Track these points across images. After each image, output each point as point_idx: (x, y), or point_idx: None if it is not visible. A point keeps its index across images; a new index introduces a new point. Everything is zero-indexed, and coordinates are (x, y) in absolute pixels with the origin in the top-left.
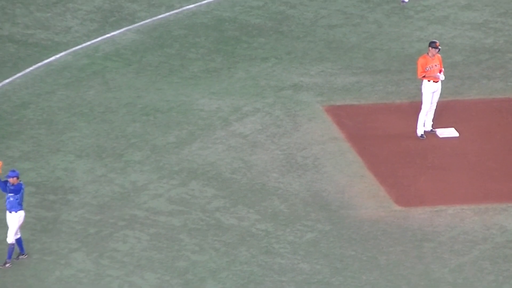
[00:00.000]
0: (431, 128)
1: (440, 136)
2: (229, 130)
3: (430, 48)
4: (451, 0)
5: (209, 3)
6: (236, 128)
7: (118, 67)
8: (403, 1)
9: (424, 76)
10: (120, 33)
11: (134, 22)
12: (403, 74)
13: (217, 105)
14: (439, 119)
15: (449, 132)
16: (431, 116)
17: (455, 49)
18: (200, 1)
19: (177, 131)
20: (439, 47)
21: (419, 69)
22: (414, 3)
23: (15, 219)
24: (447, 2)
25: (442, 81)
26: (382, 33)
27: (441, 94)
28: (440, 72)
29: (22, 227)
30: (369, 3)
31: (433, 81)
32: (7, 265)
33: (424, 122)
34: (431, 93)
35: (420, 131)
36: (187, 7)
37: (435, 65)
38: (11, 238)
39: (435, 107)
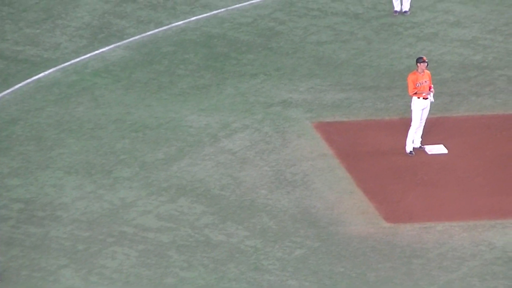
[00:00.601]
0: (420, 144)
1: (429, 152)
2: (218, 146)
3: (418, 64)
4: (440, 17)
5: (198, 19)
6: (225, 144)
7: (107, 83)
8: (396, 12)
9: (415, 93)
10: (109, 49)
11: (123, 39)
12: (392, 90)
13: (206, 121)
14: (428, 136)
15: (438, 149)
16: (420, 132)
17: (444, 66)
18: (189, 18)
19: (166, 148)
20: (426, 61)
21: (411, 86)
22: (403, 20)
23: None
24: (436, 19)
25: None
26: (372, 50)
27: (430, 110)
28: (430, 88)
29: (10, 244)
30: (358, 20)
31: (423, 98)
32: None
33: (413, 139)
34: (420, 110)
35: (409, 148)
36: (176, 23)
37: (425, 81)
38: None
39: (424, 124)
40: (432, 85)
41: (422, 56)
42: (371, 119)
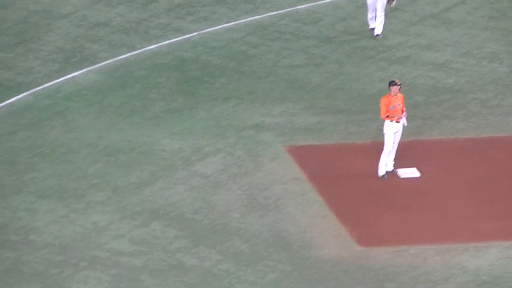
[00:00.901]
0: (393, 168)
1: (402, 176)
2: (190, 170)
3: (391, 87)
4: (412, 40)
5: (170, 43)
6: (198, 168)
7: (79, 107)
8: (372, 29)
9: (387, 116)
10: (81, 73)
11: (95, 63)
12: (365, 114)
13: (178, 145)
14: (401, 159)
15: (410, 172)
16: (393, 156)
17: (416, 89)
18: (162, 42)
19: (138, 172)
20: (399, 83)
21: (383, 109)
22: (376, 43)
23: None
24: (408, 42)
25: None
26: (344, 73)
27: (402, 134)
28: (402, 111)
29: None
30: (331, 43)
31: (395, 122)
32: None
33: (386, 162)
34: (393, 133)
35: (381, 172)
36: (149, 47)
37: (398, 105)
38: None
39: (396, 148)
40: (405, 109)
41: (395, 79)
42: (344, 143)
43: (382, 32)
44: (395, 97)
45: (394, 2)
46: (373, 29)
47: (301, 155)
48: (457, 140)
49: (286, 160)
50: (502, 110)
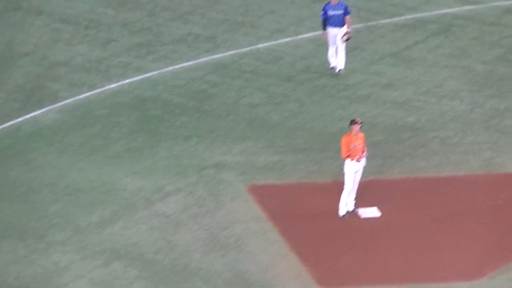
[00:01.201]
0: (354, 208)
1: (362, 216)
2: (151, 209)
3: (352, 126)
4: (372, 79)
5: (131, 82)
6: (159, 207)
7: (40, 147)
8: (333, 68)
9: (348, 156)
10: (42, 112)
11: (56, 102)
12: (325, 152)
13: (139, 184)
14: (361, 199)
15: (371, 212)
16: (353, 195)
17: (377, 128)
18: (122, 81)
19: (99, 211)
20: (360, 122)
21: (344, 148)
22: (336, 82)
23: None
24: (368, 81)
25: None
26: (304, 112)
27: (363, 173)
28: (362, 151)
29: None
30: (291, 82)
31: (356, 161)
32: None
33: (347, 202)
34: (353, 172)
35: (342, 212)
36: (109, 86)
37: (359, 144)
38: None
39: (357, 187)
40: (366, 148)
41: (355, 118)
42: (304, 182)
43: (344, 68)
44: (356, 136)
45: (345, 37)
46: (333, 67)
47: (262, 194)
48: (417, 179)
49: (247, 199)
50: (463, 148)
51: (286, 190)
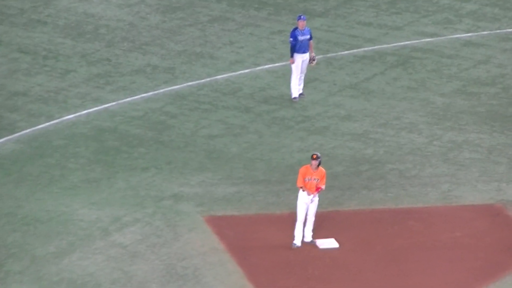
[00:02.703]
0: (311, 239)
1: (320, 247)
2: (109, 240)
3: (311, 160)
4: (331, 111)
5: (89, 113)
6: (116, 238)
7: None
8: (295, 98)
9: (301, 186)
10: (0, 143)
11: (14, 132)
12: (284, 184)
13: (96, 215)
14: (319, 230)
15: (329, 243)
16: (311, 227)
17: (335, 160)
18: (80, 111)
19: (57, 241)
20: (316, 158)
21: (299, 178)
22: (295, 114)
23: None
24: (327, 112)
25: (322, 191)
26: (263, 144)
27: (321, 204)
28: (318, 189)
29: None
30: (249, 114)
31: (307, 194)
32: None
33: (304, 233)
34: (304, 203)
35: (297, 242)
36: (67, 117)
37: (315, 179)
38: None
39: (313, 219)
40: (323, 186)
41: (314, 154)
42: (262, 213)
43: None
44: (314, 171)
45: (314, 62)
46: (295, 98)
47: (220, 225)
48: (375, 211)
49: (205, 230)
50: (420, 180)
51: (244, 221)
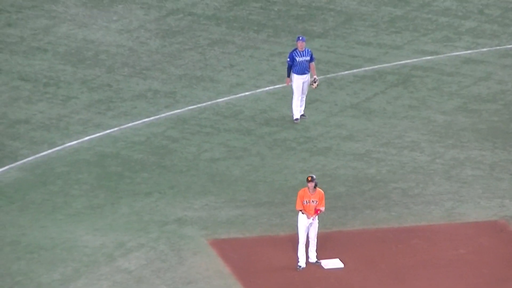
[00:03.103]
0: (316, 259)
1: (325, 267)
2: (113, 266)
3: (307, 183)
4: (333, 131)
5: (91, 139)
6: (121, 263)
7: (1, 205)
8: (296, 119)
9: (300, 209)
10: (2, 171)
11: (16, 160)
12: (287, 206)
13: (101, 241)
14: (323, 250)
15: (333, 263)
16: (314, 248)
17: (338, 180)
18: (82, 138)
19: (61, 268)
20: (311, 180)
21: (298, 202)
22: (297, 135)
23: None
24: (329, 133)
25: (323, 212)
26: (265, 166)
27: (324, 225)
28: (317, 212)
29: None
30: (251, 136)
31: (306, 217)
32: None
33: (308, 254)
34: (304, 226)
35: (302, 263)
36: (69, 144)
37: (313, 201)
38: None
39: (315, 241)
40: (323, 208)
41: (309, 176)
42: (266, 235)
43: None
44: (312, 193)
45: (315, 85)
46: (297, 119)
47: (224, 248)
48: (379, 230)
49: (209, 254)
50: (424, 199)
51: (248, 243)
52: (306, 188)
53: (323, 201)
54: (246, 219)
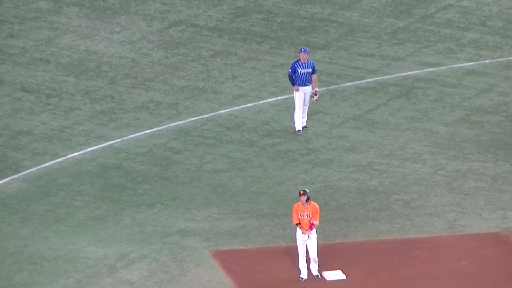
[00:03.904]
0: (317, 273)
1: (328, 279)
2: (116, 277)
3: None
4: (335, 143)
5: (93, 150)
6: (123, 275)
7: (3, 216)
8: (299, 131)
9: (297, 223)
10: (5, 182)
11: (19, 171)
12: (289, 217)
13: (103, 252)
14: (326, 262)
15: (336, 275)
16: (315, 262)
17: (340, 192)
18: (85, 149)
19: (64, 280)
20: (303, 193)
21: (294, 216)
22: (299, 146)
23: None
24: (331, 145)
25: (317, 226)
26: (268, 177)
27: (327, 236)
28: (311, 227)
29: None
30: (254, 147)
31: (302, 232)
32: None
33: (309, 266)
34: (302, 240)
35: (304, 275)
36: (72, 155)
37: (306, 215)
38: None
39: (315, 255)
40: (317, 222)
41: (301, 190)
42: (269, 247)
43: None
44: (305, 207)
45: (316, 97)
46: (299, 131)
47: (227, 259)
48: (381, 242)
49: (212, 265)
50: (426, 210)
51: (251, 255)
52: (300, 201)
53: (317, 215)
54: (248, 230)
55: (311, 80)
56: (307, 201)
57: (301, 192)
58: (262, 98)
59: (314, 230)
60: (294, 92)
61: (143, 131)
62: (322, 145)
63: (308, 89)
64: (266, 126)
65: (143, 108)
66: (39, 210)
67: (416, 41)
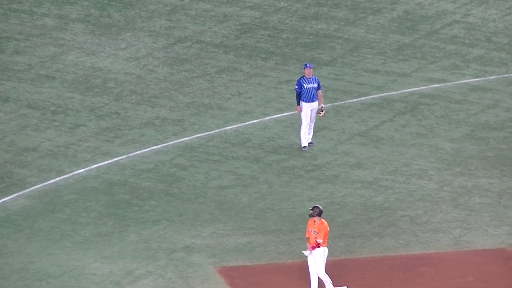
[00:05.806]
0: None
1: None
2: None
3: None
4: (340, 159)
5: (99, 167)
6: None
7: (9, 233)
8: (304, 147)
9: (308, 238)
10: (11, 199)
11: (24, 188)
12: (295, 233)
13: (109, 269)
14: (331, 278)
15: None
16: (323, 276)
17: (346, 208)
18: (90, 165)
19: None
20: (312, 210)
21: (307, 229)
22: (304, 163)
23: None
24: (337, 161)
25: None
26: (273, 193)
27: (332, 252)
28: (314, 246)
29: None
30: (259, 164)
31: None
32: None
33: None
34: (307, 256)
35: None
36: (77, 171)
37: (314, 232)
38: None
39: (323, 275)
40: (320, 240)
41: (313, 206)
42: (274, 263)
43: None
44: (315, 223)
45: (322, 113)
46: (305, 147)
47: (232, 276)
48: (387, 258)
49: (217, 281)
50: (432, 226)
51: (257, 271)
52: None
53: (322, 233)
54: (254, 246)
55: (317, 96)
56: (314, 216)
57: (310, 208)
58: (267, 115)
59: (318, 250)
60: (301, 108)
61: (148, 147)
62: (328, 161)
63: (314, 105)
64: (271, 142)
65: (149, 125)
66: (45, 227)
67: (422, 57)
